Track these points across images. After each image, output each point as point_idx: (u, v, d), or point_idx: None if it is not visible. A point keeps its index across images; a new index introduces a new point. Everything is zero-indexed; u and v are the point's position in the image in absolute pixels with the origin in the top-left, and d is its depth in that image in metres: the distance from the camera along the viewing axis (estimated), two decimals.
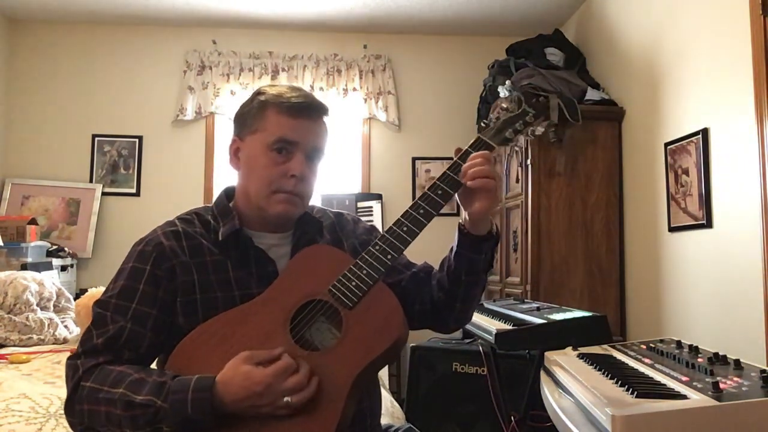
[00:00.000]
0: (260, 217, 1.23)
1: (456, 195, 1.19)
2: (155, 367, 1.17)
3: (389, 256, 1.14)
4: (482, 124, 1.26)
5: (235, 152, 1.26)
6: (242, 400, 1.02)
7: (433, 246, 1.41)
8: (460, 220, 1.22)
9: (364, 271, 1.13)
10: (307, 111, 1.20)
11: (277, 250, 1.25)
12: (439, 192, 1.17)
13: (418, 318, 1.29)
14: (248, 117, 1.23)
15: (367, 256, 1.14)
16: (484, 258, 1.22)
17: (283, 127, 1.18)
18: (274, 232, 1.26)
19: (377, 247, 1.15)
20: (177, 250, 1.18)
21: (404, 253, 1.18)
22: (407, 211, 1.17)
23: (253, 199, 1.22)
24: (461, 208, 1.21)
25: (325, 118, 1.26)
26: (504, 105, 1.27)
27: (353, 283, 1.12)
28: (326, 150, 1.27)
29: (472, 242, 1.19)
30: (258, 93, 1.24)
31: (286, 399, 1.01)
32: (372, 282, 1.12)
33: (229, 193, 1.29)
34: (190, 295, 1.16)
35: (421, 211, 1.16)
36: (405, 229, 1.16)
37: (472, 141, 1.22)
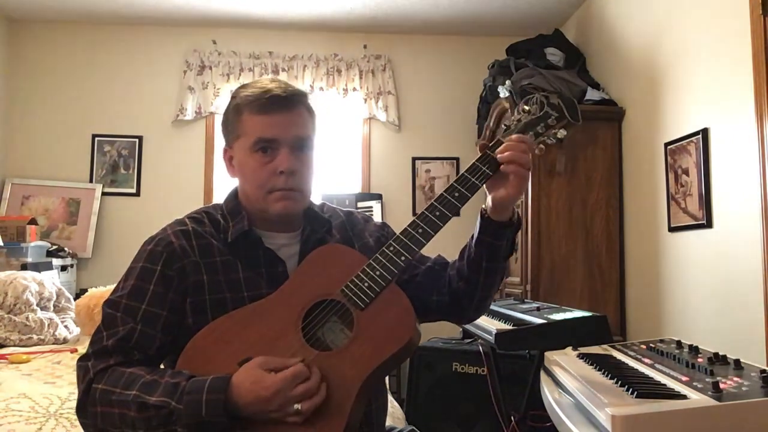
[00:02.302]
0: (265, 218, 1.23)
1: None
2: (165, 368, 1.16)
3: (403, 258, 1.13)
4: (503, 126, 1.23)
5: (230, 161, 1.25)
6: (251, 404, 1.01)
7: (442, 247, 1.40)
8: (483, 206, 1.21)
9: (377, 272, 1.12)
10: (280, 104, 1.18)
11: (287, 249, 1.24)
12: (456, 194, 1.16)
13: (436, 309, 1.28)
14: (229, 124, 1.23)
15: (380, 257, 1.14)
16: (506, 244, 1.21)
17: (259, 127, 1.17)
18: (283, 232, 1.25)
19: (391, 248, 1.14)
20: (187, 249, 1.17)
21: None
22: (423, 212, 1.16)
23: (253, 202, 1.22)
24: (487, 194, 1.20)
25: (307, 104, 1.23)
26: (526, 107, 1.23)
27: (366, 284, 1.12)
28: (314, 136, 1.24)
29: (494, 228, 1.18)
30: (232, 97, 1.23)
31: (296, 406, 1.01)
32: (385, 283, 1.12)
33: (237, 192, 1.29)
34: (200, 296, 1.16)
35: (437, 213, 1.15)
36: (420, 230, 1.14)
37: (492, 144, 1.19)
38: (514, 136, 1.17)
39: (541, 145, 1.23)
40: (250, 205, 1.24)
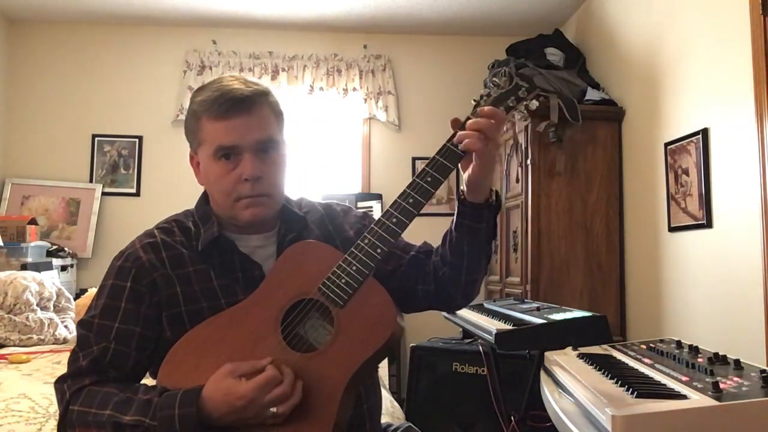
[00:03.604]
0: (236, 224, 1.19)
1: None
2: (143, 383, 1.14)
3: (379, 250, 1.09)
4: (472, 102, 1.19)
5: (197, 167, 1.21)
6: (227, 415, 1.00)
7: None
8: (461, 188, 1.17)
9: (354, 267, 1.09)
10: (237, 107, 1.11)
11: (262, 251, 1.21)
12: (428, 179, 1.11)
13: (423, 298, 1.24)
14: (190, 131, 1.18)
15: (356, 251, 1.10)
16: (486, 227, 1.16)
17: (217, 134, 1.12)
18: (257, 233, 1.22)
19: (366, 241, 1.10)
20: (156, 263, 1.14)
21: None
22: (396, 201, 1.12)
23: (222, 209, 1.18)
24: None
25: (269, 101, 1.17)
26: (495, 80, 1.19)
27: (343, 281, 1.08)
28: (280, 135, 1.19)
29: (471, 210, 1.15)
30: (191, 102, 1.17)
31: (272, 410, 0.99)
32: (362, 278, 1.08)
33: (208, 197, 1.25)
34: (175, 308, 1.13)
35: (411, 200, 1.11)
36: (394, 220, 1.10)
37: (463, 122, 1.16)
38: (479, 109, 1.13)
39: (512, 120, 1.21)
40: (220, 211, 1.20)
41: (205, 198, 1.24)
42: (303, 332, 1.10)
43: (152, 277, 1.14)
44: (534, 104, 1.19)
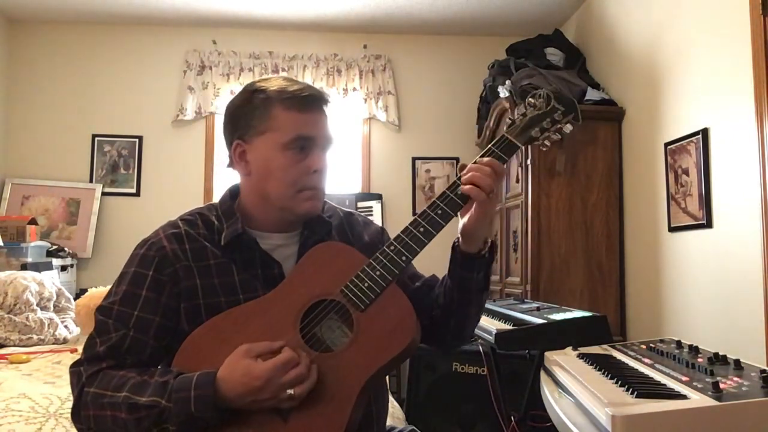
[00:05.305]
0: (279, 217, 1.19)
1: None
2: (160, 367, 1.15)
3: (404, 258, 1.11)
4: (508, 120, 1.19)
5: (241, 156, 1.18)
6: (244, 396, 1.01)
7: (436, 251, 1.38)
8: (457, 235, 1.17)
9: (378, 272, 1.10)
10: (316, 102, 1.16)
11: (283, 250, 1.21)
12: (459, 192, 1.12)
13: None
14: (251, 117, 1.16)
15: (381, 257, 1.11)
16: (477, 277, 1.16)
17: (297, 124, 1.13)
18: (281, 232, 1.22)
19: (392, 248, 1.11)
20: (179, 254, 1.15)
21: (412, 262, 1.14)
22: (425, 211, 1.13)
23: (275, 201, 1.17)
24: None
25: (325, 108, 1.21)
26: (531, 101, 1.18)
27: (366, 285, 1.10)
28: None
29: (462, 260, 1.15)
30: (256, 90, 1.17)
31: (289, 392, 1.00)
32: (385, 284, 1.09)
33: (233, 193, 1.25)
34: (194, 300, 1.14)
35: (439, 212, 1.12)
36: (422, 230, 1.12)
37: (496, 140, 1.16)
38: (482, 159, 1.13)
39: (545, 143, 1.19)
40: (262, 203, 1.19)
41: (230, 194, 1.25)
42: (320, 333, 1.11)
43: (174, 267, 1.14)
44: (568, 128, 1.18)
